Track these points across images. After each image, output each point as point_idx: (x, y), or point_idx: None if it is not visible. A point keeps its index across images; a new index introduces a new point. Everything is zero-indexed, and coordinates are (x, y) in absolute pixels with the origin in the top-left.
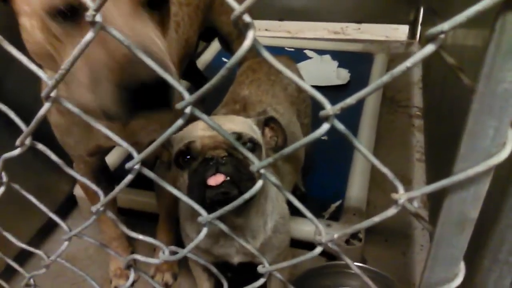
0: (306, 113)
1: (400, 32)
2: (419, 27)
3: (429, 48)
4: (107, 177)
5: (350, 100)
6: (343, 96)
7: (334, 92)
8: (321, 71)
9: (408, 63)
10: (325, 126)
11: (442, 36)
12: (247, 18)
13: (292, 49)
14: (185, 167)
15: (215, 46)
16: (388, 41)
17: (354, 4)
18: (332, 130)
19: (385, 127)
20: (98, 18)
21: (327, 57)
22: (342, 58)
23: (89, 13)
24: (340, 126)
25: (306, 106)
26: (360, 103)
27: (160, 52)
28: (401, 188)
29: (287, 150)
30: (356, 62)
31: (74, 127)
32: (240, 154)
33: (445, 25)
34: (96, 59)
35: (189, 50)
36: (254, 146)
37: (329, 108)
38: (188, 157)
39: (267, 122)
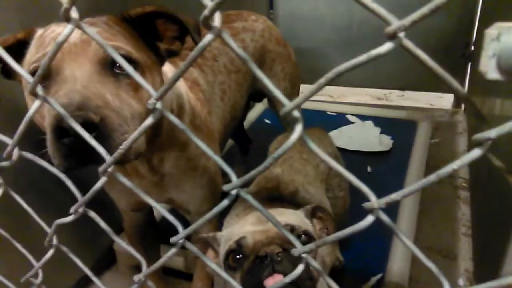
0: (341, 187)
1: (445, 100)
2: None
3: (476, 153)
4: (152, 232)
5: (395, 196)
6: (385, 163)
7: (376, 158)
8: (363, 137)
9: (454, 165)
10: (370, 219)
11: (489, 142)
12: (296, 113)
13: (334, 114)
14: (237, 268)
15: (259, 107)
16: (433, 109)
17: (398, 71)
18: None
19: (429, 198)
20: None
21: (370, 123)
22: (385, 124)
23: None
24: (385, 218)
25: (340, 180)
26: (403, 172)
27: (106, 109)
28: (446, 284)
29: (331, 238)
30: (399, 129)
31: (116, 183)
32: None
33: (492, 133)
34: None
35: (236, 114)
36: (309, 240)
37: (374, 201)
38: (239, 256)
39: (314, 212)
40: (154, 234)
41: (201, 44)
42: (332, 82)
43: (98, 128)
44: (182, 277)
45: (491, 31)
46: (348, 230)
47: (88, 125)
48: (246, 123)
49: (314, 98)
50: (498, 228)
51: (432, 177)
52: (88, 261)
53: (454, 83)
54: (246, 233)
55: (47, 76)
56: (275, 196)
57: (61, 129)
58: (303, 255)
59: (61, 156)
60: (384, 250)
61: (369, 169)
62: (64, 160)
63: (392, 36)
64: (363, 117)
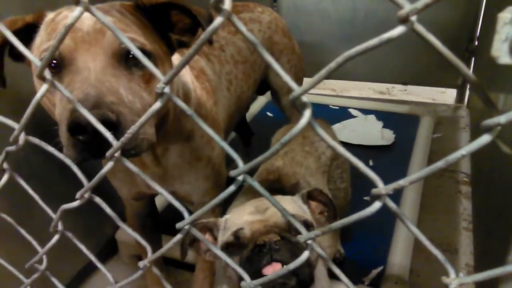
0: (343, 178)
1: (447, 95)
2: (467, 92)
3: (485, 139)
4: (153, 222)
5: (403, 182)
6: (387, 157)
7: (378, 152)
8: (365, 131)
9: (463, 151)
10: (377, 205)
11: (498, 128)
12: (304, 98)
13: (337, 107)
14: (236, 255)
15: (261, 100)
16: (435, 103)
17: (401, 66)
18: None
19: (431, 192)
20: None
21: (372, 117)
22: (387, 118)
23: None
24: (392, 205)
25: (342, 171)
26: (405, 166)
27: (120, 105)
28: (452, 272)
29: (336, 224)
30: (402, 123)
31: (118, 171)
32: (294, 237)
33: (502, 118)
34: (62, 105)
35: (241, 105)
36: (308, 229)
37: (382, 187)
38: (237, 246)
39: (311, 195)
40: (155, 224)
41: (211, 27)
42: (337, 73)
43: (115, 127)
44: (183, 268)
45: (504, 15)
46: (355, 216)
47: (105, 124)
48: (249, 116)
49: (316, 91)
50: (502, 220)
51: (440, 163)
52: (91, 251)
53: (463, 67)
54: (243, 224)
55: (60, 65)
56: (277, 188)
57: (77, 126)
58: (309, 242)
59: (76, 152)
60: (385, 243)
61: (371, 163)
62: (79, 154)
63: (404, 20)
64: (365, 111)
